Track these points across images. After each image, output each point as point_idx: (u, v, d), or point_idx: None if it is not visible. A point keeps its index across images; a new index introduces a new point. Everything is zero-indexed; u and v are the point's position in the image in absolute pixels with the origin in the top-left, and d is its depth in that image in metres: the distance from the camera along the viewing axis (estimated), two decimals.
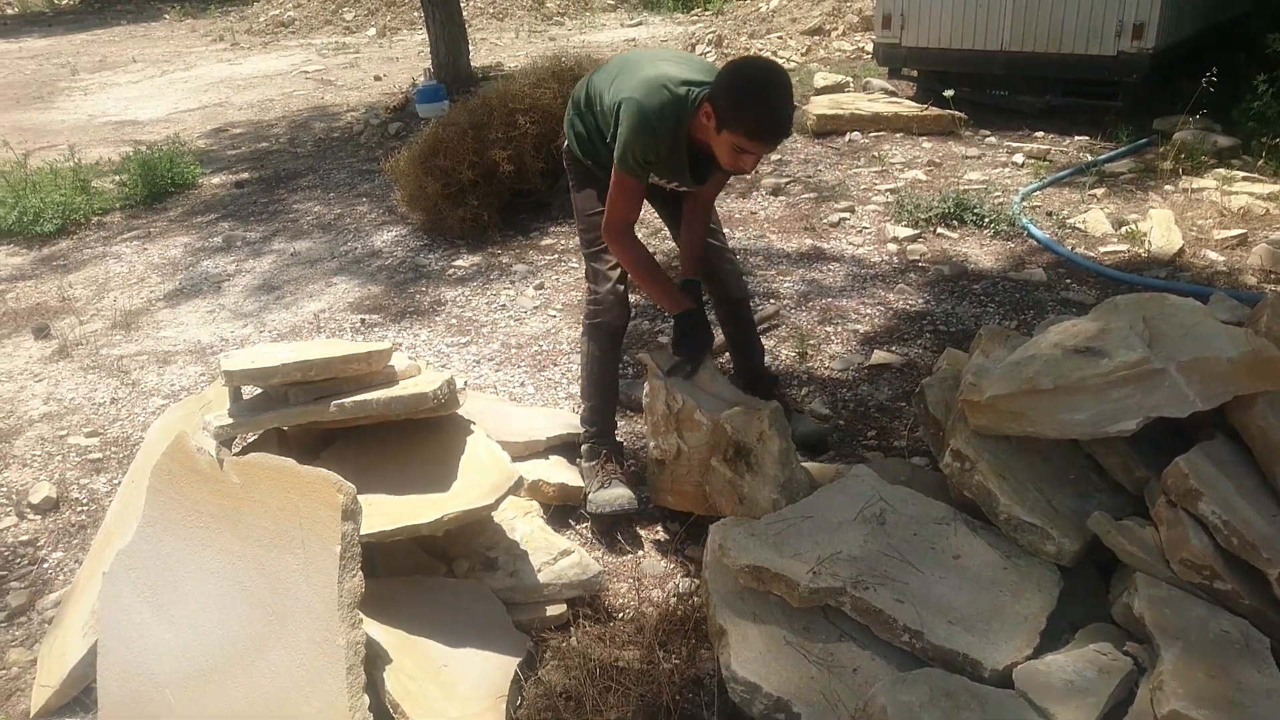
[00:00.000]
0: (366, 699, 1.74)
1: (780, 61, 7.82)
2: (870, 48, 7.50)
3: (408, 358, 2.51)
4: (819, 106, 6.26)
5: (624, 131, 2.25)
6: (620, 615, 2.27)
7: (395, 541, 2.10)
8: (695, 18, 11.84)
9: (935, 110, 6.06)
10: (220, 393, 2.56)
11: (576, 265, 4.37)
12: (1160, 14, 5.38)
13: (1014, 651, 1.77)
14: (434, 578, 2.26)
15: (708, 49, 8.92)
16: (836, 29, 9.14)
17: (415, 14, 12.10)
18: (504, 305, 4.10)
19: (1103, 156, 5.31)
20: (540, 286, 4.24)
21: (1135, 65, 5.53)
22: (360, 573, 1.84)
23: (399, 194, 5.16)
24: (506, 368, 3.56)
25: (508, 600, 2.19)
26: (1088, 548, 1.94)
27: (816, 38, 9.06)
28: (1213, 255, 4.05)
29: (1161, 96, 5.80)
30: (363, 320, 4.07)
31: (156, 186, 6.02)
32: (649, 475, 2.62)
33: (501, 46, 10.82)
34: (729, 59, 3.22)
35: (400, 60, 10.57)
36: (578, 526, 2.63)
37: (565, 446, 2.82)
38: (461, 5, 8.14)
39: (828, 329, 3.64)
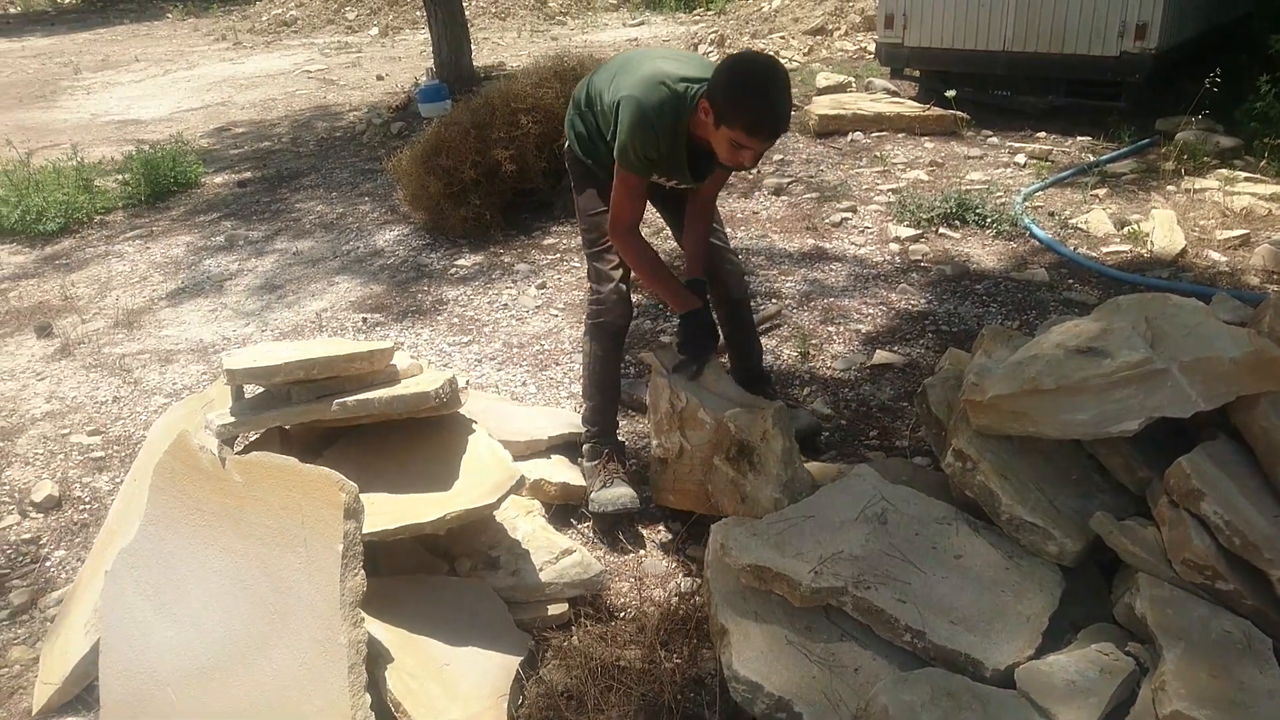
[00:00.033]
0: (368, 697, 1.74)
1: (782, 61, 7.81)
2: (872, 48, 7.49)
3: (410, 357, 2.51)
4: (821, 106, 6.25)
5: (623, 129, 2.25)
6: (622, 614, 2.27)
7: (397, 540, 2.10)
8: (697, 18, 11.83)
9: (937, 110, 6.06)
10: (222, 391, 2.56)
11: (578, 265, 4.37)
12: (1163, 14, 5.37)
13: (1016, 651, 1.77)
14: (436, 576, 2.26)
15: (710, 49, 8.92)
16: (839, 29, 9.14)
17: (418, 13, 12.10)
18: (506, 305, 4.10)
19: (1105, 157, 5.30)
20: (542, 286, 4.24)
21: (1138, 66, 5.53)
22: (362, 571, 1.84)
23: (401, 193, 5.16)
24: (508, 367, 3.57)
25: (509, 599, 2.20)
26: (1090, 548, 1.94)
27: (819, 38, 9.06)
28: (1215, 256, 4.04)
29: (1164, 97, 5.79)
30: (365, 319, 4.07)
31: (159, 186, 6.03)
32: (651, 474, 2.62)
33: (504, 46, 10.82)
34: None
35: (402, 60, 10.57)
36: (579, 526, 2.63)
37: (567, 446, 2.82)
38: (464, 5, 8.15)
39: (830, 329, 3.64)
